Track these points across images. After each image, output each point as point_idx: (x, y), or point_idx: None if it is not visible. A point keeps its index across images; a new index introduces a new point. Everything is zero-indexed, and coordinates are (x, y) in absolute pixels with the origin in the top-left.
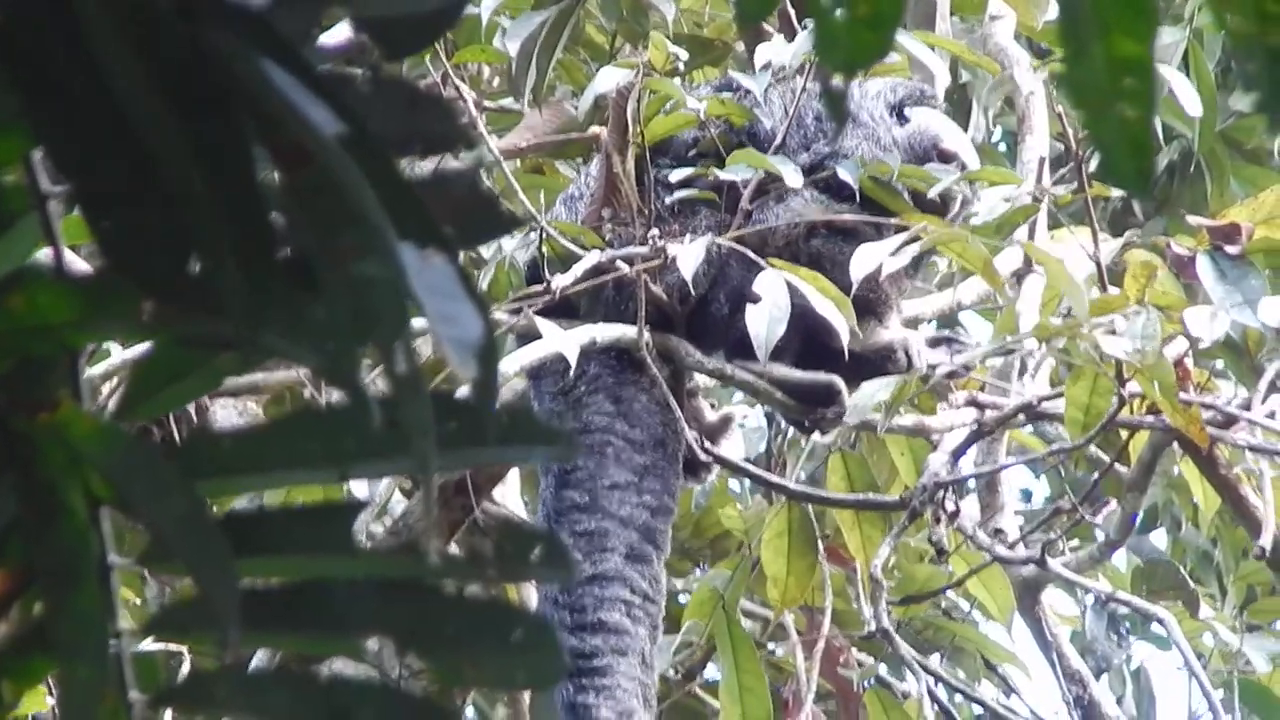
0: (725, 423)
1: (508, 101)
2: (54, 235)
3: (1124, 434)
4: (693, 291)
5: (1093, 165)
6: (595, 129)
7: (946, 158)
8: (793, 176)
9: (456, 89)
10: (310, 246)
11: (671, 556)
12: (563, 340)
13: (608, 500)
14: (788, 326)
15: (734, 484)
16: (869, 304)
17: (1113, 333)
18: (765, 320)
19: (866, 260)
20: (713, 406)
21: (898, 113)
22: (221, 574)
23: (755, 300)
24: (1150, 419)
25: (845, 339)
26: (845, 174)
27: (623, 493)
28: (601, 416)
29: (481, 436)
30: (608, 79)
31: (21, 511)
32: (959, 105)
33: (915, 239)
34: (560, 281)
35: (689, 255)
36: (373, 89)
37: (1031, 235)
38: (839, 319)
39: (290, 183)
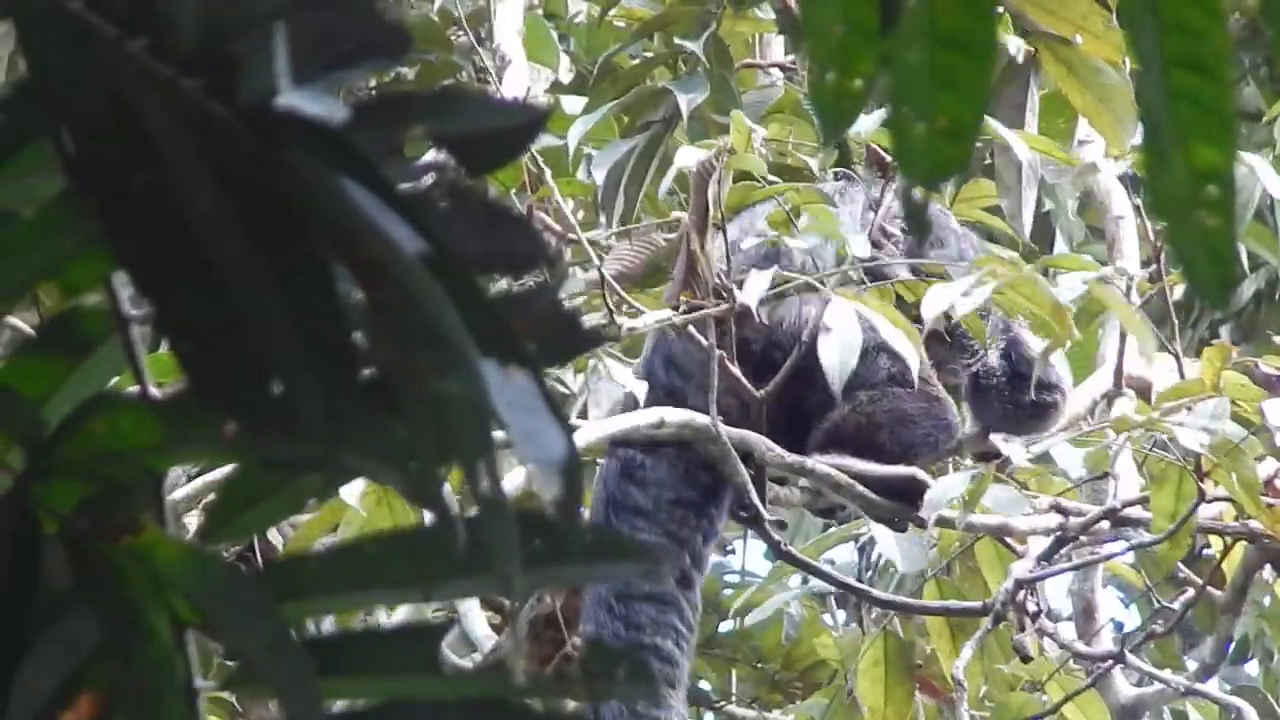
0: None
1: (594, 234)
2: (135, 358)
3: (1216, 554)
4: (757, 319)
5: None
6: (676, 213)
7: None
8: (861, 245)
9: (542, 220)
10: (391, 365)
11: (761, 689)
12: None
13: None
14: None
15: (826, 616)
16: None
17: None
18: (837, 350)
19: (938, 301)
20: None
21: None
22: (308, 697)
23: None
24: (1234, 525)
25: (915, 369)
26: None
27: None
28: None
29: (565, 555)
30: (688, 156)
31: (105, 635)
32: (1042, 234)
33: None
34: (629, 324)
35: (753, 285)
36: (454, 207)
37: (1122, 348)
38: (909, 349)
39: (371, 301)
